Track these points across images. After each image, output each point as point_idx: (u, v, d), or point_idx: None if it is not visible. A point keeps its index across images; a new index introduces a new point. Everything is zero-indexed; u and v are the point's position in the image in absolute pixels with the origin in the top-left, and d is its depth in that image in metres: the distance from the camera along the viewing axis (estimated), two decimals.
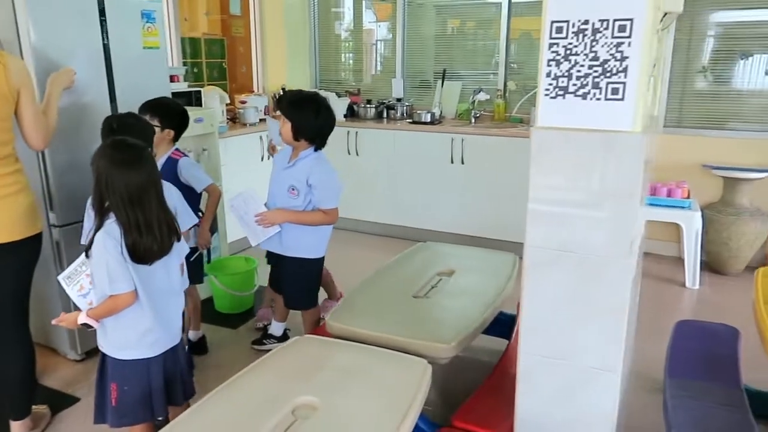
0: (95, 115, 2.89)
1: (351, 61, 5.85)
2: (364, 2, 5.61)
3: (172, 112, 2.74)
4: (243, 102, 4.90)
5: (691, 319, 3.05)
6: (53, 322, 1.95)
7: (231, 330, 3.45)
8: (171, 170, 2.71)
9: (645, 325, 3.22)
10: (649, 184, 4.09)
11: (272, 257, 2.90)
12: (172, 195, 2.03)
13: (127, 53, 3.01)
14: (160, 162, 2.64)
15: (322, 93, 5.29)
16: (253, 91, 5.50)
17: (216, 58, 6.36)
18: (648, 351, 2.93)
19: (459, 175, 4.58)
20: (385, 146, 4.87)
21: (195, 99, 4.24)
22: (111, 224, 1.80)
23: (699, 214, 3.96)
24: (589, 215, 1.62)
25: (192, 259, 2.84)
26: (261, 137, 4.62)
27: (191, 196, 2.70)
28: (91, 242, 1.80)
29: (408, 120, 5.04)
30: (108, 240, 1.78)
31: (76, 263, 1.93)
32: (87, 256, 1.83)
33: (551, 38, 1.57)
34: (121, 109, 2.97)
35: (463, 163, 4.57)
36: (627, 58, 1.50)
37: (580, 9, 1.52)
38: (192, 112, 3.64)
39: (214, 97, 4.43)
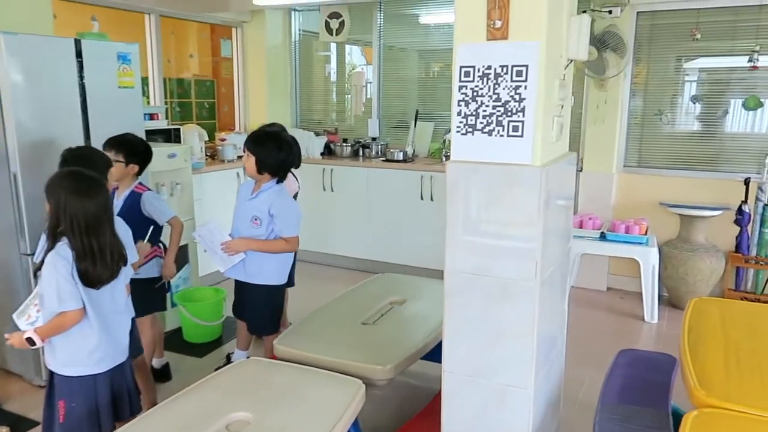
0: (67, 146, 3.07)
1: (333, 102, 6.09)
2: (347, 46, 5.89)
3: (136, 147, 2.84)
4: (222, 139, 5.10)
5: (635, 348, 3.16)
6: (5, 336, 2.04)
7: (197, 359, 3.54)
8: (134, 203, 2.81)
9: (599, 356, 3.33)
10: (581, 217, 4.26)
11: (237, 285, 3.01)
12: (120, 229, 2.14)
13: (103, 92, 3.21)
14: (123, 195, 2.80)
15: (301, 131, 5.52)
16: (233, 129, 5.71)
17: (206, 98, 6.62)
18: (599, 381, 3.02)
19: (428, 210, 4.74)
20: (359, 183, 5.04)
21: (174, 136, 4.43)
22: (63, 246, 1.93)
23: (655, 250, 4.11)
24: (497, 242, 1.76)
25: (156, 286, 2.97)
26: (237, 173, 4.80)
27: (154, 229, 2.84)
28: (42, 263, 1.93)
29: (382, 158, 5.23)
30: (59, 261, 1.91)
31: (28, 299, 2.04)
32: (35, 276, 1.96)
33: (460, 81, 1.75)
34: (96, 143, 3.14)
35: (432, 199, 4.74)
36: (524, 99, 1.68)
37: (483, 56, 1.71)
38: (166, 148, 3.85)
39: (193, 135, 4.62)
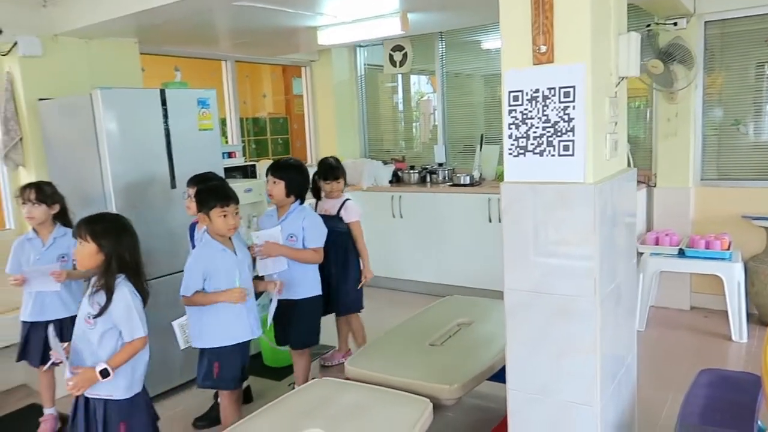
0: (157, 187, 3.38)
1: (399, 130, 6.26)
2: (412, 76, 6.06)
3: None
4: None
5: (716, 368, 3.02)
6: (68, 389, 2.12)
7: (275, 381, 3.70)
8: None
9: (682, 378, 3.20)
10: (657, 233, 4.12)
11: (278, 315, 3.05)
12: None
13: (185, 135, 3.50)
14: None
15: (369, 161, 5.70)
16: (306, 163, 5.98)
17: (280, 134, 6.98)
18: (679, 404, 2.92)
19: (496, 233, 4.72)
20: (427, 208, 5.13)
21: (250, 172, 4.71)
22: (124, 281, 2.16)
23: (740, 265, 3.91)
24: (554, 260, 1.79)
25: None
26: (310, 204, 5.02)
27: None
28: (106, 305, 2.12)
29: (449, 183, 5.30)
30: (129, 294, 2.15)
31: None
32: (100, 314, 2.12)
33: (510, 105, 1.82)
34: (181, 182, 3.42)
35: (500, 221, 4.73)
36: (573, 119, 1.72)
37: (531, 80, 1.77)
38: (243, 183, 4.11)
39: None
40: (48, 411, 3.11)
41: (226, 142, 5.18)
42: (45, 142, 3.65)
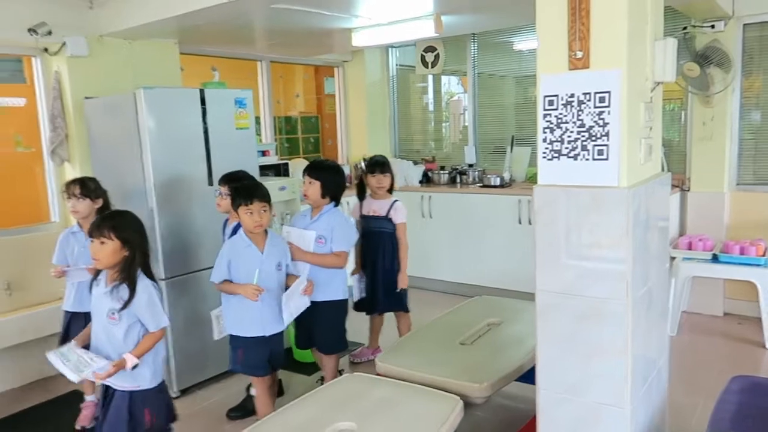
0: (195, 184, 3.48)
1: (430, 131, 6.30)
2: (442, 78, 6.09)
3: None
4: None
5: (748, 375, 2.99)
6: (98, 376, 2.17)
7: (306, 376, 3.77)
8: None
9: (713, 384, 3.17)
10: (690, 238, 4.07)
11: (300, 316, 3.03)
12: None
13: (222, 134, 3.59)
14: (233, 225, 3.04)
15: (400, 161, 5.75)
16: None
17: (311, 133, 7.08)
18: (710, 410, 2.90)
19: (526, 234, 4.74)
20: (457, 209, 5.16)
21: (283, 170, 4.80)
22: (143, 276, 2.25)
23: None
24: (586, 262, 1.82)
25: None
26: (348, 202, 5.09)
27: None
28: (129, 299, 2.19)
29: (479, 184, 5.32)
30: (151, 287, 2.25)
31: (70, 357, 2.20)
32: (124, 308, 2.19)
33: (545, 110, 1.85)
34: (217, 179, 3.51)
35: (530, 223, 4.74)
36: (608, 124, 1.74)
37: (566, 85, 1.80)
38: (277, 181, 4.20)
39: (300, 168, 4.97)
40: (89, 398, 3.24)
41: (260, 140, 5.28)
42: (89, 139, 3.79)
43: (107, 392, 2.30)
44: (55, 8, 3.65)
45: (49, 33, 3.58)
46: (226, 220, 3.17)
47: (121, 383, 2.25)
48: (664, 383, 2.31)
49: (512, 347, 2.67)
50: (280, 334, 2.88)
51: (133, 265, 2.23)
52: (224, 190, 3.03)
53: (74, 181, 3.08)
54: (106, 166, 3.64)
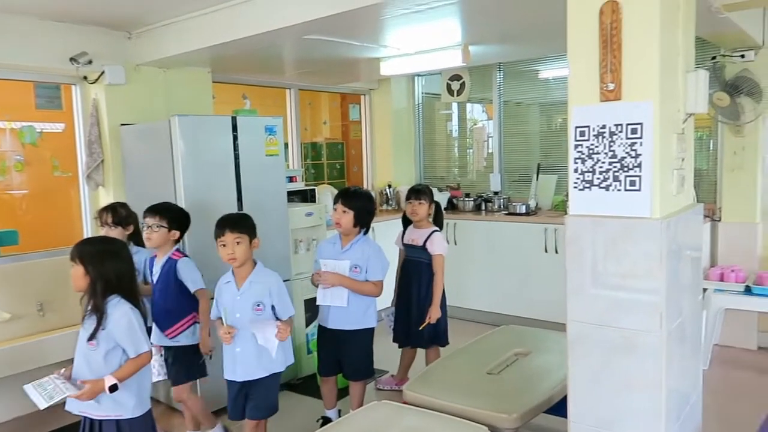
0: (225, 209, 3.48)
1: (455, 157, 6.33)
2: (467, 105, 6.14)
3: (178, 214, 3.01)
4: None
5: None
6: (75, 396, 2.11)
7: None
8: (171, 270, 2.92)
9: (746, 420, 3.12)
10: (722, 269, 3.99)
11: (330, 339, 3.11)
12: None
13: (253, 160, 3.66)
14: (161, 262, 2.96)
15: None
16: None
17: (336, 159, 7.16)
18: None
19: (553, 263, 4.70)
20: (482, 237, 5.15)
21: (310, 196, 4.85)
22: (121, 300, 2.18)
23: None
24: (618, 294, 1.80)
25: (201, 361, 3.03)
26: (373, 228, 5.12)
27: (187, 296, 2.95)
28: (97, 326, 2.13)
29: (504, 212, 5.31)
30: (130, 311, 2.18)
31: (38, 382, 2.18)
32: (93, 338, 2.15)
33: (576, 140, 1.86)
34: (246, 204, 3.58)
35: (557, 252, 4.71)
36: (640, 155, 1.75)
37: (597, 117, 1.81)
38: (304, 207, 4.25)
39: (326, 194, 5.02)
40: None
41: (288, 166, 5.36)
42: (123, 164, 3.90)
43: (92, 424, 2.23)
44: (96, 38, 3.78)
45: (90, 62, 3.71)
46: (153, 258, 3.06)
47: (100, 412, 2.19)
48: (697, 418, 2.26)
49: (541, 378, 2.64)
50: (262, 381, 2.66)
51: (95, 292, 2.16)
52: (152, 221, 2.92)
53: (106, 209, 3.14)
54: (139, 191, 3.73)
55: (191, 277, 2.96)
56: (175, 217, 2.99)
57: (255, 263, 2.70)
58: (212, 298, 2.84)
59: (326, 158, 7.09)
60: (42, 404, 2.10)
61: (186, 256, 3.06)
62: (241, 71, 4.84)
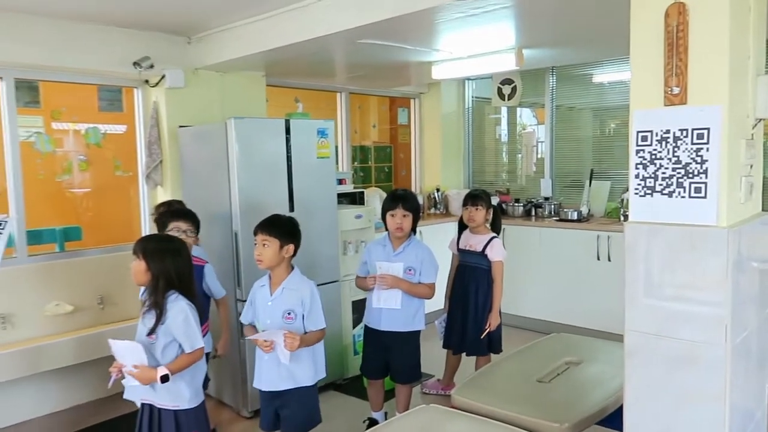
0: (276, 210, 3.53)
1: (504, 162, 6.26)
2: (517, 109, 6.07)
3: (196, 218, 3.02)
4: None
5: None
6: (128, 373, 2.22)
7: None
8: (198, 275, 2.82)
9: None
10: None
11: (383, 341, 3.11)
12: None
13: (304, 162, 3.72)
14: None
15: None
16: None
17: (384, 162, 7.19)
18: None
19: (606, 271, 4.59)
20: (532, 243, 5.07)
21: (359, 198, 4.89)
22: (179, 297, 2.27)
23: None
24: (680, 304, 1.75)
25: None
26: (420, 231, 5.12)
27: (206, 302, 2.99)
28: (156, 321, 2.23)
29: (555, 218, 5.21)
30: (187, 308, 2.27)
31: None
32: (152, 332, 2.23)
33: (638, 145, 1.81)
34: (297, 206, 3.63)
35: (609, 260, 4.59)
36: (707, 161, 1.69)
37: (661, 121, 1.76)
38: (353, 209, 4.28)
39: (374, 197, 5.06)
40: None
41: (337, 169, 5.41)
42: (181, 165, 4.02)
43: (152, 412, 2.32)
44: (157, 44, 3.92)
45: (151, 66, 3.85)
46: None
47: (160, 400, 2.30)
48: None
49: (593, 388, 2.58)
50: (292, 395, 2.56)
51: (157, 288, 2.25)
52: (190, 226, 2.92)
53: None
54: (194, 191, 3.84)
55: (217, 284, 3.08)
56: (198, 222, 3.01)
57: (292, 268, 2.62)
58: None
59: (374, 161, 7.12)
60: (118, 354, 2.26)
61: (207, 262, 3.11)
62: (294, 75, 4.93)
